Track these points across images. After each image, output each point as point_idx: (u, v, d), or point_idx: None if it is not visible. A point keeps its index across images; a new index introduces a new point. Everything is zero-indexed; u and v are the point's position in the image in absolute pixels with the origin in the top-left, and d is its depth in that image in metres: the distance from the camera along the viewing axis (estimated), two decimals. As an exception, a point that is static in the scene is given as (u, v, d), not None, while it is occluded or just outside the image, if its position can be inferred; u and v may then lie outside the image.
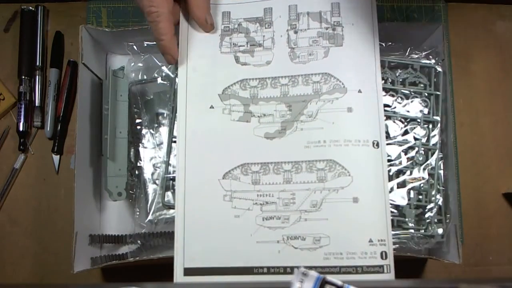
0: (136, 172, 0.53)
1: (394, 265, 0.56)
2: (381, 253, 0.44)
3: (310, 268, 0.41)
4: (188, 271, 0.44)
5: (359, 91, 0.46)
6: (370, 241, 0.44)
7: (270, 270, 0.44)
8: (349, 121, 0.46)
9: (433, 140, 0.50)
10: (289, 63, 0.48)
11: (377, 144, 0.45)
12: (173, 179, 0.50)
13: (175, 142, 0.49)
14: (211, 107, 0.47)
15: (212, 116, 0.47)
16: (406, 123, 0.51)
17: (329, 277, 0.34)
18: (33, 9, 0.59)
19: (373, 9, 0.48)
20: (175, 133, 0.48)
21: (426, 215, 0.50)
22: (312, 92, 0.47)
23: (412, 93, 0.51)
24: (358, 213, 0.44)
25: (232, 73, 0.48)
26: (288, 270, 0.44)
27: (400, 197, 0.49)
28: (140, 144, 0.54)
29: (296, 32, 0.49)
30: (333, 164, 0.45)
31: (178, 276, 0.44)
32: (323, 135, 0.45)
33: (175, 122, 0.48)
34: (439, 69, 0.51)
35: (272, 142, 0.46)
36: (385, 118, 0.50)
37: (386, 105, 0.50)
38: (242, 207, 0.45)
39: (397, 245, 0.50)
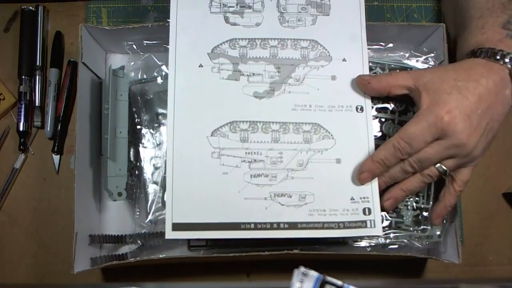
0: (136, 172, 0.53)
1: (394, 264, 0.56)
2: (364, 210, 0.46)
3: (295, 223, 0.45)
4: (176, 226, 0.44)
5: (344, 60, 0.49)
6: (352, 199, 0.46)
7: (257, 226, 0.45)
8: (332, 88, 0.48)
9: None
10: (279, 26, 0.49)
11: (361, 109, 0.48)
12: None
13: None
14: (200, 65, 0.48)
15: (201, 74, 0.48)
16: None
17: (329, 277, 0.34)
18: (33, 9, 0.59)
19: None
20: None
21: (425, 214, 0.50)
22: (300, 57, 0.49)
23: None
24: (340, 173, 0.46)
25: (221, 32, 0.49)
26: (274, 226, 0.45)
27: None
28: (140, 144, 0.53)
29: None
30: (318, 127, 0.47)
31: (167, 231, 0.44)
32: (309, 100, 0.48)
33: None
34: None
35: (260, 101, 0.47)
36: (384, 120, 0.50)
37: (384, 108, 0.50)
38: (231, 164, 0.46)
39: (396, 245, 0.50)
